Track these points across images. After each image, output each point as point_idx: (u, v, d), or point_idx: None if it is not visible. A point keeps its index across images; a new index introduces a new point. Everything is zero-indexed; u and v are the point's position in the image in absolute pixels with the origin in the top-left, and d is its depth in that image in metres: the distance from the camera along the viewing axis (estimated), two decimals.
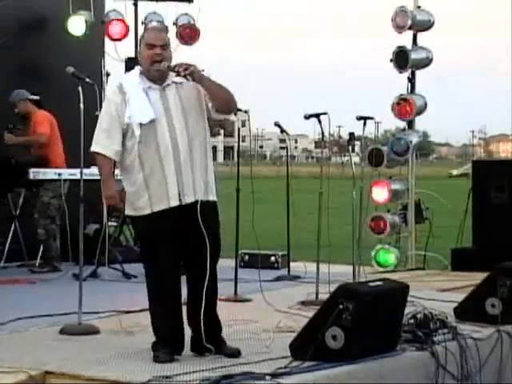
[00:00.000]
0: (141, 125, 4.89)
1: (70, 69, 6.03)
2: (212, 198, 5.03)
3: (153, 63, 4.94)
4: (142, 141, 4.91)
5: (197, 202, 4.92)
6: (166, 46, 5.00)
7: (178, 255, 4.98)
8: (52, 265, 8.57)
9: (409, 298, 5.26)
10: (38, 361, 4.79)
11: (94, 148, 5.03)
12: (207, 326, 4.98)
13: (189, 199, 4.93)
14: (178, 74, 4.91)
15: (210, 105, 5.03)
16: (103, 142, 4.99)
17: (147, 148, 4.91)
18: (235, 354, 4.98)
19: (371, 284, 5.06)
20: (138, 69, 5.06)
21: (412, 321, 5.34)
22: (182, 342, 5.00)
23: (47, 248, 8.65)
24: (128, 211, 5.08)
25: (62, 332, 5.55)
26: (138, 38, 10.28)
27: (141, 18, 10.47)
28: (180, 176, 4.91)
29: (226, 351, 5.00)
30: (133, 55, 10.45)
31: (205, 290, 4.95)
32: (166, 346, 4.91)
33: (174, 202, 4.92)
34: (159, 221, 4.91)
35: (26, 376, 4.51)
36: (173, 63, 4.97)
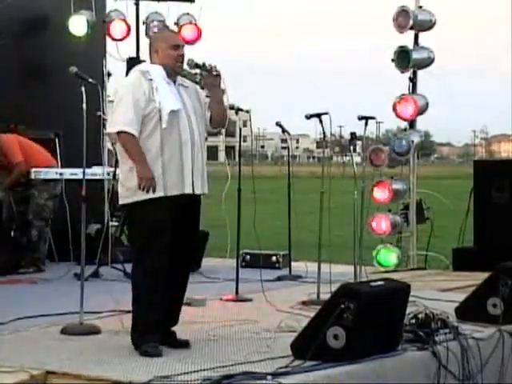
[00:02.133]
0: (169, 112, 5.10)
1: (73, 69, 6.02)
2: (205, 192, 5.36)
3: (177, 62, 5.22)
4: (168, 128, 5.10)
5: (201, 195, 5.25)
6: (184, 46, 5.33)
7: (173, 244, 5.13)
8: (37, 265, 8.52)
9: (410, 298, 5.26)
10: (39, 361, 4.80)
11: (122, 128, 5.04)
12: (170, 319, 5.23)
13: (197, 191, 5.22)
14: (209, 72, 5.20)
15: (208, 114, 5.33)
16: (132, 123, 5.04)
17: (170, 135, 5.12)
18: (184, 345, 5.16)
19: (372, 284, 5.06)
20: (152, 64, 5.25)
21: (413, 320, 5.34)
22: (163, 333, 5.15)
23: (36, 249, 8.57)
24: (132, 197, 5.11)
25: (63, 332, 5.55)
26: (140, 37, 10.42)
27: (142, 18, 10.48)
28: (194, 167, 5.18)
29: (175, 343, 5.18)
30: (134, 55, 10.45)
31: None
32: (152, 340, 4.99)
33: (188, 190, 5.15)
34: (170, 205, 5.09)
35: (27, 376, 4.51)
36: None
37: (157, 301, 5.09)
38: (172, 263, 5.13)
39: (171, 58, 5.21)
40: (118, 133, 5.09)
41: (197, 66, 5.25)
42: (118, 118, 5.09)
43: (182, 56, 5.24)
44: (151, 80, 5.12)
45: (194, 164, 5.17)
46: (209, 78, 5.23)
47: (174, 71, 5.23)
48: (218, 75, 5.25)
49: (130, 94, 5.08)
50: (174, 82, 5.24)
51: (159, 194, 5.08)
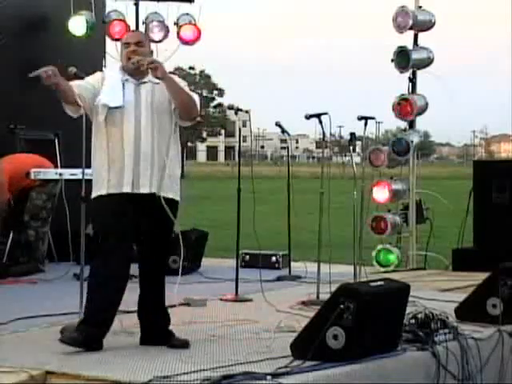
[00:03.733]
0: (109, 108, 5.17)
1: (73, 69, 6.01)
2: (167, 195, 5.22)
3: (129, 60, 5.23)
4: (110, 125, 5.20)
5: (151, 194, 5.17)
6: (140, 42, 5.29)
7: (129, 242, 5.20)
8: (36, 266, 8.52)
9: (410, 298, 5.26)
10: (38, 361, 4.80)
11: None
12: (157, 319, 5.28)
13: (143, 190, 5.18)
14: (143, 67, 5.13)
15: (173, 108, 5.24)
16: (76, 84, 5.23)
17: (114, 133, 5.20)
18: (184, 345, 5.17)
19: (372, 284, 5.06)
20: (119, 64, 5.38)
21: (413, 321, 5.34)
22: (105, 331, 5.18)
23: (34, 249, 8.57)
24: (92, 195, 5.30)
25: (63, 332, 5.54)
26: None
27: (142, 18, 10.49)
28: (137, 167, 5.16)
29: (174, 342, 5.20)
30: None
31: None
32: (79, 329, 5.06)
33: (127, 189, 5.17)
34: (112, 203, 5.17)
35: (27, 376, 4.51)
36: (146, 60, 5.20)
37: (97, 302, 5.14)
38: (141, 266, 5.25)
39: (124, 56, 5.27)
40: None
41: (138, 62, 5.20)
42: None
43: (132, 53, 5.20)
44: (104, 79, 5.26)
45: (138, 163, 5.14)
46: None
47: (130, 69, 5.22)
48: (154, 68, 5.12)
49: (88, 80, 5.31)
50: (140, 79, 5.23)
51: (102, 192, 5.19)
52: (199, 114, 5.38)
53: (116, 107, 5.17)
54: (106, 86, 5.23)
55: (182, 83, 5.32)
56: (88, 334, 5.06)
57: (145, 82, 5.26)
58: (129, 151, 5.16)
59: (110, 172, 5.18)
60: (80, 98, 5.16)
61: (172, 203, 5.26)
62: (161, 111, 5.23)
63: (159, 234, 5.28)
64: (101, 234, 5.19)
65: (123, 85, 5.23)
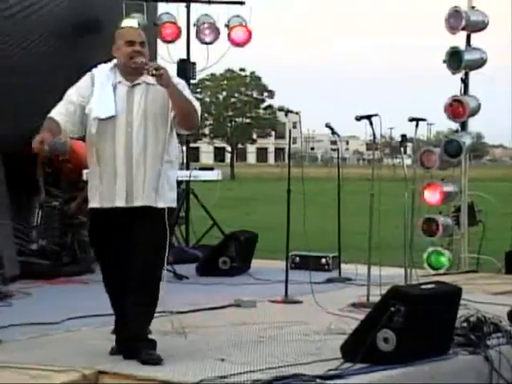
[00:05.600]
0: (99, 119, 4.93)
1: None
2: (162, 205, 4.94)
3: (131, 59, 4.92)
4: (100, 135, 4.93)
5: (144, 206, 4.91)
6: (144, 43, 5.00)
7: (122, 254, 4.97)
8: (88, 266, 8.58)
9: (461, 301, 5.20)
10: (90, 360, 4.85)
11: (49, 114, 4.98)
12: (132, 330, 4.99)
13: (137, 202, 4.93)
14: (148, 73, 4.85)
15: (172, 115, 4.93)
16: (56, 110, 4.98)
17: (104, 143, 4.93)
18: (156, 361, 4.82)
19: (423, 286, 5.02)
20: (112, 62, 5.07)
21: (465, 324, 5.29)
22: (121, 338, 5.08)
23: (88, 249, 8.65)
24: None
25: (114, 332, 5.58)
26: (190, 40, 10.50)
27: (193, 21, 10.56)
28: (130, 177, 4.92)
29: (144, 357, 4.84)
30: (185, 57, 10.53)
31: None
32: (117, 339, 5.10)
33: (120, 203, 4.93)
34: (105, 217, 4.99)
35: (79, 375, 4.56)
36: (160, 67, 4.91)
37: (111, 304, 5.16)
38: (130, 276, 4.93)
39: (125, 54, 4.93)
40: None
41: (142, 63, 4.91)
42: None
43: (137, 52, 4.90)
44: (94, 85, 4.98)
45: (131, 173, 4.89)
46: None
47: (129, 68, 4.92)
48: (159, 74, 4.79)
49: (70, 91, 5.07)
50: (135, 80, 4.94)
51: (95, 205, 5.00)
52: (198, 124, 5.07)
53: (108, 117, 4.91)
54: (96, 91, 4.95)
55: (186, 90, 5.00)
56: (121, 342, 5.06)
57: (138, 84, 4.96)
58: (120, 160, 4.89)
59: (103, 184, 4.94)
60: (66, 132, 4.96)
61: (167, 211, 4.97)
62: (154, 115, 4.93)
63: (152, 245, 4.90)
64: (95, 250, 5.19)
65: (114, 89, 4.95)
